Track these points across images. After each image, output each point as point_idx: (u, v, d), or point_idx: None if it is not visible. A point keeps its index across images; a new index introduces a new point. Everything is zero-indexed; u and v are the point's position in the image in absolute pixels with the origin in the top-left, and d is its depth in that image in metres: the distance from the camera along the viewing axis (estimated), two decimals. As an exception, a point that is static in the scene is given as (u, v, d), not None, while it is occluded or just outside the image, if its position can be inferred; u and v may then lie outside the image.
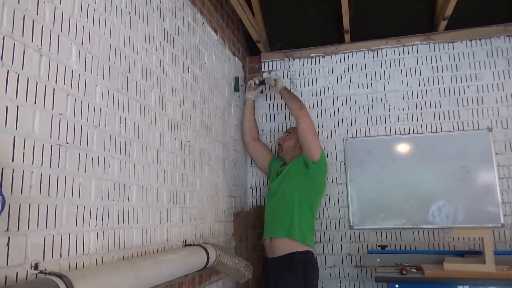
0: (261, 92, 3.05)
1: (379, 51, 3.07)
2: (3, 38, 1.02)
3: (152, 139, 1.72)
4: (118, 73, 1.51)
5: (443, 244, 2.77)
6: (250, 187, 3.14)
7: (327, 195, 2.97)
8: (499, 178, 2.73)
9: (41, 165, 1.11)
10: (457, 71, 2.91)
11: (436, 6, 2.85)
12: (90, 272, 1.18)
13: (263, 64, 3.27)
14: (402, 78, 3.00)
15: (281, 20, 3.07)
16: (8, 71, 1.03)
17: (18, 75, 1.06)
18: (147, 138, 1.68)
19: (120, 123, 1.50)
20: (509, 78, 2.83)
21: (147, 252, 1.61)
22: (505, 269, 2.22)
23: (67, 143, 1.22)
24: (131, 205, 1.53)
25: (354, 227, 2.91)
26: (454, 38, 2.94)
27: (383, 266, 2.56)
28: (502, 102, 2.82)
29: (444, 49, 2.96)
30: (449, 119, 2.88)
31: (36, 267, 1.05)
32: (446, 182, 2.80)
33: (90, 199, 1.30)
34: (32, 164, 1.08)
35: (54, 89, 1.18)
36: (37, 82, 1.12)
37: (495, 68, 2.86)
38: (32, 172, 1.07)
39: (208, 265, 1.89)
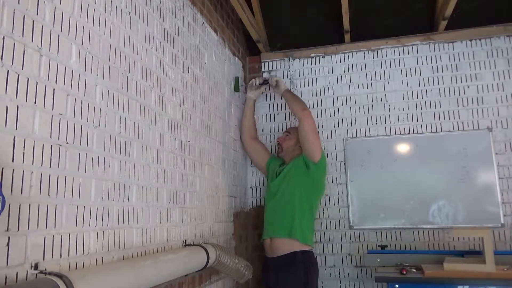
0: (262, 92, 3.05)
1: (379, 51, 3.07)
2: (3, 38, 1.02)
3: (152, 139, 1.72)
4: (118, 73, 1.51)
5: (443, 244, 2.77)
6: (250, 187, 3.14)
7: (327, 195, 2.97)
8: (499, 178, 2.73)
9: (41, 165, 1.11)
10: (457, 71, 2.91)
11: (436, 6, 2.85)
12: (90, 272, 1.18)
13: (263, 64, 3.27)
14: (402, 78, 3.00)
15: (281, 20, 3.07)
16: (8, 71, 1.03)
17: (18, 75, 1.06)
18: (147, 138, 1.68)
19: (120, 123, 1.50)
20: (509, 78, 2.83)
21: (147, 252, 1.61)
22: (505, 269, 2.22)
23: (67, 143, 1.22)
24: (131, 205, 1.53)
25: (354, 227, 2.91)
26: (454, 38, 2.94)
27: (383, 266, 2.56)
28: (502, 102, 2.82)
29: (444, 49, 2.96)
30: (449, 119, 2.88)
31: (36, 267, 1.05)
32: (446, 182, 2.80)
33: (90, 199, 1.30)
34: (32, 164, 1.08)
35: (54, 89, 1.18)
36: (37, 82, 1.12)
37: (495, 68, 2.86)
38: (32, 172, 1.07)
39: (208, 265, 1.89)
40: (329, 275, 2.91)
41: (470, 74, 2.89)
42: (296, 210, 2.52)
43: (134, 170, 1.56)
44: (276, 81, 2.82)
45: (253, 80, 2.92)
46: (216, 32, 2.59)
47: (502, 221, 2.69)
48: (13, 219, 1.00)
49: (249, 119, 2.91)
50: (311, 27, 3.09)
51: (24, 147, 1.06)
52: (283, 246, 2.50)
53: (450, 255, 2.50)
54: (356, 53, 3.11)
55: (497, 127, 2.80)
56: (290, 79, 3.19)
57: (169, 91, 1.90)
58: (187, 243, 1.95)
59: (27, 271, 1.03)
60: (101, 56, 1.41)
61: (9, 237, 0.99)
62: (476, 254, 2.52)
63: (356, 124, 3.03)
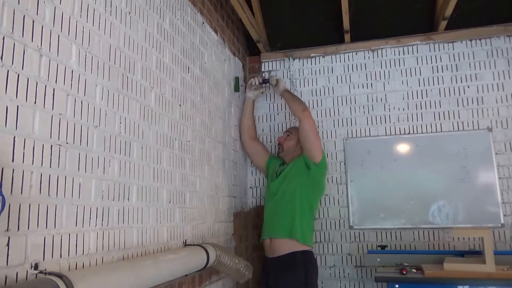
0: (262, 93, 3.05)
1: (379, 51, 3.07)
2: (3, 38, 1.02)
3: (152, 139, 1.72)
4: (118, 73, 1.51)
5: (443, 244, 2.77)
6: (250, 187, 3.14)
7: (327, 195, 2.97)
8: (499, 178, 2.73)
9: (41, 165, 1.11)
10: (457, 71, 2.91)
11: (436, 6, 2.85)
12: (90, 272, 1.18)
13: (263, 64, 3.27)
14: (402, 78, 3.00)
15: (281, 20, 3.07)
16: (8, 71, 1.03)
17: (18, 75, 1.06)
18: (147, 138, 1.68)
19: (120, 123, 1.50)
20: (509, 78, 2.83)
21: (147, 252, 1.61)
22: (505, 269, 2.22)
23: (67, 143, 1.22)
24: (131, 205, 1.53)
25: (354, 227, 2.91)
26: (454, 38, 2.94)
27: (383, 266, 2.56)
28: (502, 102, 2.82)
29: (444, 49, 2.96)
30: (449, 119, 2.88)
31: (36, 267, 1.05)
32: (446, 182, 2.80)
33: (90, 199, 1.30)
34: (32, 164, 1.08)
35: (54, 89, 1.18)
36: (37, 82, 1.12)
37: (495, 68, 2.86)
38: (32, 172, 1.07)
39: (208, 265, 1.89)
40: (329, 275, 2.91)
41: (470, 74, 2.89)
42: (296, 210, 2.52)
43: (134, 170, 1.56)
44: (277, 80, 2.82)
45: (252, 79, 2.92)
46: (216, 32, 2.59)
47: (502, 221, 2.69)
48: (13, 219, 1.00)
49: (249, 118, 2.91)
50: (311, 27, 3.09)
51: (24, 147, 1.06)
52: (283, 246, 2.50)
53: (450, 255, 2.50)
54: (356, 53, 3.11)
55: (497, 127, 2.80)
56: (290, 79, 3.19)
57: (169, 91, 1.90)
58: (187, 243, 1.95)
59: (27, 271, 1.03)
60: (101, 56, 1.41)
61: (9, 237, 0.99)
62: (476, 254, 2.52)
63: (356, 124, 3.03)
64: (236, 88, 2.91)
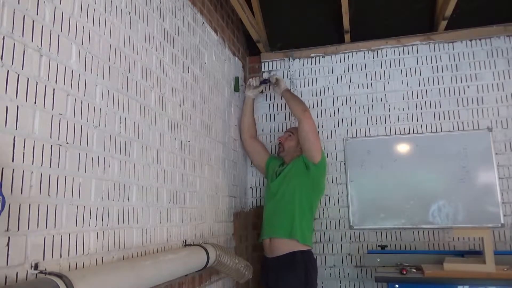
0: (261, 92, 3.05)
1: (379, 51, 3.07)
2: (3, 38, 1.02)
3: (152, 139, 1.72)
4: (118, 73, 1.51)
5: (443, 244, 2.77)
6: (250, 187, 3.14)
7: (327, 195, 2.97)
8: (499, 178, 2.73)
9: (41, 165, 1.11)
10: (457, 71, 2.91)
11: (436, 6, 2.85)
12: (90, 272, 1.18)
13: (263, 64, 3.27)
14: (402, 78, 3.00)
15: (281, 20, 3.07)
16: (8, 71, 1.03)
17: (18, 75, 1.06)
18: (147, 138, 1.68)
19: (120, 123, 1.50)
20: (509, 78, 2.83)
21: (147, 252, 1.61)
22: (505, 269, 2.22)
23: (67, 143, 1.22)
24: (131, 205, 1.53)
25: (354, 227, 2.91)
26: (454, 38, 2.94)
27: (383, 266, 2.56)
28: (502, 102, 2.82)
29: (444, 49, 2.96)
30: (449, 119, 2.88)
31: (36, 267, 1.05)
32: (446, 182, 2.80)
33: (90, 199, 1.30)
34: (32, 164, 1.08)
35: (54, 89, 1.18)
36: (37, 82, 1.12)
37: (495, 68, 2.86)
38: (32, 172, 1.07)
39: (208, 265, 1.89)
40: (329, 275, 2.91)
41: (470, 74, 2.89)
42: (296, 210, 2.52)
43: (134, 170, 1.56)
44: (276, 79, 2.82)
45: (251, 80, 2.93)
46: (216, 32, 2.59)
47: (502, 221, 2.69)
48: (13, 219, 1.00)
49: (249, 117, 2.91)
50: (311, 27, 3.09)
51: (24, 147, 1.06)
52: (283, 246, 2.50)
53: (450, 255, 2.50)
54: (356, 53, 3.11)
55: (497, 127, 2.80)
56: (290, 79, 3.19)
57: (169, 91, 1.90)
58: (187, 243, 1.95)
59: (27, 271, 1.03)
60: (101, 56, 1.41)
61: (9, 237, 0.99)
62: (476, 254, 2.52)
63: (356, 124, 3.03)
64: (236, 88, 2.91)
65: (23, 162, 1.05)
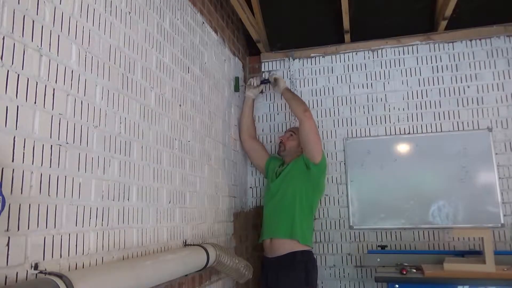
0: (261, 91, 3.06)
1: (379, 51, 3.07)
2: (3, 38, 1.02)
3: (152, 139, 1.72)
4: (118, 73, 1.51)
5: (443, 244, 2.77)
6: (250, 187, 3.14)
7: (327, 195, 2.97)
8: (499, 178, 2.73)
9: (41, 165, 1.11)
10: (457, 71, 2.91)
11: (436, 6, 2.85)
12: (90, 272, 1.18)
13: (263, 64, 3.27)
14: (402, 78, 3.00)
15: (281, 20, 3.07)
16: (8, 71, 1.03)
17: (18, 75, 1.06)
18: (147, 138, 1.68)
19: (120, 123, 1.50)
20: (509, 78, 2.83)
21: (147, 252, 1.61)
22: (505, 269, 2.22)
23: (67, 143, 1.22)
24: (131, 205, 1.53)
25: (354, 227, 2.91)
26: (454, 38, 2.94)
27: (383, 266, 2.56)
28: (502, 102, 2.82)
29: (444, 49, 2.96)
30: (449, 119, 2.88)
31: (36, 267, 1.05)
32: (446, 182, 2.80)
33: (90, 199, 1.30)
34: (32, 164, 1.08)
35: (54, 89, 1.18)
36: (37, 82, 1.12)
37: (495, 68, 2.86)
38: (32, 172, 1.07)
39: (208, 265, 1.89)
40: (329, 275, 2.91)
41: (470, 74, 2.89)
42: (296, 210, 2.52)
43: (134, 170, 1.56)
44: (275, 79, 2.82)
45: (251, 79, 2.93)
46: (216, 32, 2.59)
47: (502, 221, 2.69)
48: (13, 219, 1.00)
49: (248, 117, 2.90)
50: (311, 27, 3.09)
51: (24, 147, 1.06)
52: (283, 246, 2.50)
53: (450, 255, 2.50)
54: (356, 53, 3.11)
55: (497, 127, 2.80)
56: (290, 79, 3.19)
57: (169, 91, 1.90)
58: (187, 243, 1.95)
59: (27, 271, 1.03)
60: (101, 56, 1.41)
61: (9, 237, 0.99)
62: (476, 254, 2.52)
63: (356, 124, 3.03)
64: (236, 88, 2.91)
65: (23, 162, 1.05)
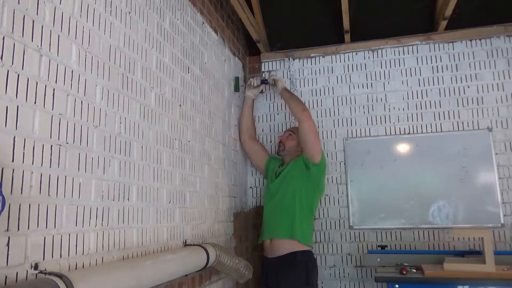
0: (261, 92, 3.06)
1: (379, 51, 3.07)
2: (3, 38, 1.02)
3: (152, 139, 1.72)
4: (118, 73, 1.51)
5: (443, 244, 2.77)
6: (250, 187, 3.14)
7: (327, 195, 2.97)
8: (499, 178, 2.73)
9: (41, 165, 1.11)
10: (457, 71, 2.91)
11: (436, 6, 2.85)
12: (90, 272, 1.18)
13: (263, 64, 3.27)
14: (402, 78, 3.00)
15: (281, 20, 3.07)
16: (8, 71, 1.03)
17: (18, 75, 1.06)
18: (147, 138, 1.68)
19: (120, 123, 1.50)
20: (509, 78, 2.83)
21: (147, 252, 1.61)
22: (505, 269, 2.22)
23: (67, 143, 1.22)
24: (131, 205, 1.53)
25: (354, 227, 2.91)
26: (454, 38, 2.94)
27: (383, 266, 2.56)
28: (502, 102, 2.82)
29: (444, 49, 2.96)
30: (449, 119, 2.88)
31: (36, 267, 1.05)
32: (446, 182, 2.79)
33: (90, 199, 1.30)
34: (32, 164, 1.08)
35: (54, 89, 1.18)
36: (37, 82, 1.12)
37: (495, 68, 2.86)
38: (32, 172, 1.07)
39: (208, 265, 1.89)
40: (329, 275, 2.91)
41: (470, 74, 2.89)
42: (297, 210, 2.52)
43: (134, 170, 1.56)
44: (274, 80, 2.83)
45: (251, 79, 2.93)
46: (216, 32, 2.59)
47: (502, 221, 2.69)
48: (13, 219, 1.00)
49: (248, 118, 2.90)
50: (311, 27, 3.09)
51: (24, 147, 1.06)
52: (284, 246, 2.50)
53: (450, 255, 2.50)
54: (356, 53, 3.11)
55: (497, 127, 2.80)
56: (290, 79, 3.19)
57: (169, 91, 1.90)
58: (187, 243, 1.95)
59: (27, 271, 1.03)
60: (101, 56, 1.41)
61: (9, 237, 0.99)
62: (476, 254, 2.52)
63: (356, 124, 3.03)
64: (236, 88, 2.91)
65: (23, 162, 1.05)
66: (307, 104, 3.04)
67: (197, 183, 2.14)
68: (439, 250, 2.75)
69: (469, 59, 2.91)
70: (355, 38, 3.09)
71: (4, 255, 0.97)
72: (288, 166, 2.67)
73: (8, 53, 1.03)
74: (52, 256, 1.12)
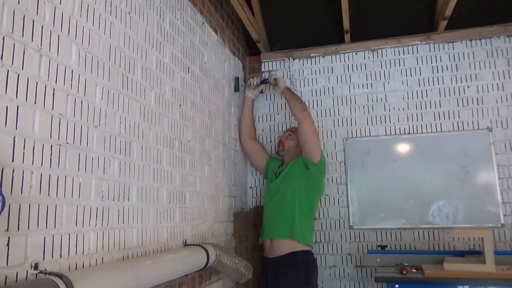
0: (261, 92, 3.06)
1: (379, 51, 3.07)
2: (3, 38, 1.02)
3: (152, 139, 1.72)
4: (118, 73, 1.51)
5: (443, 244, 2.77)
6: (250, 187, 3.14)
7: (327, 195, 2.97)
8: (499, 178, 2.73)
9: (41, 165, 1.11)
10: (457, 71, 2.91)
11: (436, 6, 2.85)
12: (90, 272, 1.18)
13: (263, 64, 3.27)
14: (402, 78, 3.00)
15: (281, 20, 3.07)
16: (8, 71, 1.03)
17: (18, 75, 1.06)
18: (147, 138, 1.68)
19: (120, 123, 1.50)
20: (509, 78, 2.83)
21: (147, 252, 1.61)
22: (505, 269, 2.22)
23: (67, 143, 1.21)
24: (131, 205, 1.53)
25: (354, 227, 2.91)
26: (454, 38, 2.94)
27: (383, 266, 2.56)
28: (502, 102, 2.82)
29: (444, 49, 2.96)
30: (449, 119, 2.88)
31: (36, 267, 1.05)
32: (446, 182, 2.79)
33: (90, 199, 1.30)
34: (32, 164, 1.08)
35: (54, 89, 1.18)
36: (37, 82, 1.12)
37: (495, 68, 2.86)
38: (32, 172, 1.07)
39: (208, 265, 1.89)
40: (329, 275, 2.91)
41: (470, 74, 2.89)
42: (296, 210, 2.52)
43: (134, 170, 1.56)
44: (275, 79, 2.83)
45: (251, 79, 2.93)
46: (216, 32, 2.59)
47: (502, 221, 2.69)
48: (13, 219, 1.00)
49: (248, 118, 2.90)
50: (311, 27, 3.09)
51: (24, 147, 1.06)
52: (284, 246, 2.50)
53: (450, 255, 2.50)
54: (356, 53, 3.11)
55: (497, 127, 2.80)
56: (290, 79, 3.19)
57: (169, 91, 1.90)
58: (187, 243, 1.95)
59: (27, 271, 1.03)
60: (101, 56, 1.41)
61: (9, 237, 0.99)
62: (476, 254, 2.52)
63: (356, 124, 3.03)
64: (236, 88, 2.91)
65: (23, 162, 1.05)
66: (307, 104, 3.04)
67: (197, 183, 2.14)
68: (439, 250, 2.75)
69: (469, 59, 2.91)
70: (355, 38, 3.09)
71: (4, 255, 0.97)
72: (287, 166, 2.67)
73: (8, 53, 1.03)
74: (52, 256, 1.12)
